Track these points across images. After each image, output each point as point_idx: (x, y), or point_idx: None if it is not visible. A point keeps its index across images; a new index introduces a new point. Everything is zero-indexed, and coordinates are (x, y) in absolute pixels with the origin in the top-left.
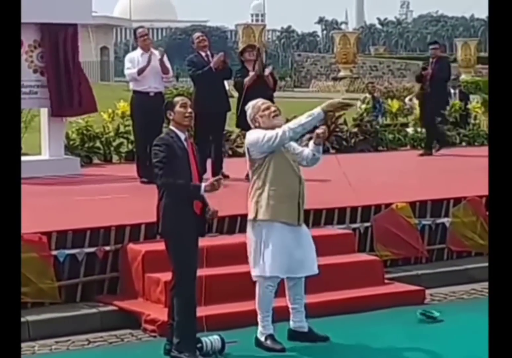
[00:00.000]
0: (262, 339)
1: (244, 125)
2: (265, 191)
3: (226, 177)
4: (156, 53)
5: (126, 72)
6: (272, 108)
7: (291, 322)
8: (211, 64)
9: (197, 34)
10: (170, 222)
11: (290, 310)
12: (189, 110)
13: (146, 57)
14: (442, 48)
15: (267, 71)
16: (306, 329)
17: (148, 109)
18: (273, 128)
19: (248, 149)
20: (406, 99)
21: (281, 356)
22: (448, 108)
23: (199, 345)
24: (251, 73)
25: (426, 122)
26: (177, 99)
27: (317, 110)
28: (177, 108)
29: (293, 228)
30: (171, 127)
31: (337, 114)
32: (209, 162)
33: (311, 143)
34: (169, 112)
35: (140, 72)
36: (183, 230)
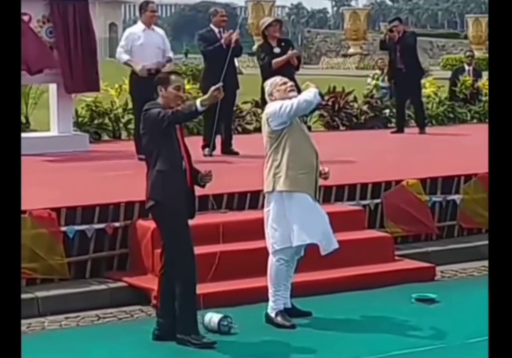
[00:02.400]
0: (273, 315)
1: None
2: (283, 163)
3: (236, 153)
4: (158, 30)
5: (118, 50)
6: (289, 84)
7: None
8: (222, 41)
9: (219, 9)
10: (160, 197)
11: None
12: (181, 94)
13: (148, 34)
14: (404, 25)
15: (294, 53)
16: (289, 305)
17: (147, 86)
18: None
19: (267, 120)
20: (369, 80)
21: (291, 332)
22: (422, 82)
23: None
24: (276, 50)
25: (397, 100)
26: (173, 78)
27: (313, 88)
28: (170, 88)
29: (310, 201)
30: (159, 103)
31: (346, 90)
32: (218, 139)
33: None
34: (160, 87)
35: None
36: (177, 206)
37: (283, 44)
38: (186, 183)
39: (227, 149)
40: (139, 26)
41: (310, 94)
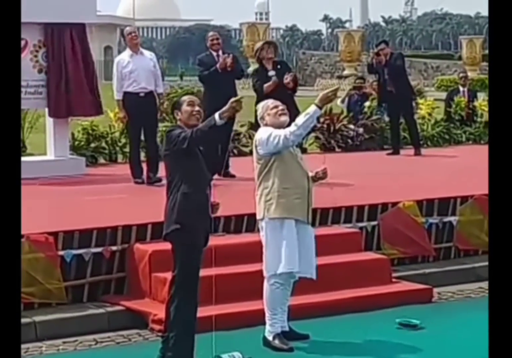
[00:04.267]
0: (270, 338)
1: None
2: (274, 189)
3: (232, 176)
4: (147, 53)
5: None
6: (280, 107)
7: None
8: (217, 65)
9: (211, 33)
10: (186, 220)
11: None
12: (197, 108)
13: (136, 59)
14: (391, 48)
15: (288, 78)
16: (287, 328)
17: (140, 109)
18: (279, 126)
19: (256, 147)
20: (338, 101)
21: (289, 356)
22: (415, 104)
23: None
24: (271, 73)
25: (390, 122)
26: (184, 98)
27: (312, 108)
28: (184, 106)
29: (301, 226)
30: (179, 124)
31: (342, 116)
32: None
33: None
34: (176, 111)
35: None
36: (197, 232)
37: (279, 66)
38: (208, 207)
39: (224, 172)
40: (127, 52)
41: (302, 123)
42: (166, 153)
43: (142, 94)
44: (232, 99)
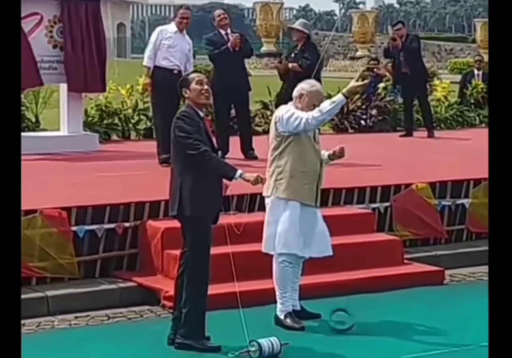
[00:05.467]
0: (282, 317)
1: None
2: (286, 170)
3: (255, 158)
4: (188, 38)
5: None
6: (320, 103)
7: None
8: (228, 44)
9: (218, 11)
10: (194, 204)
11: None
12: (206, 87)
13: (179, 37)
14: (406, 28)
15: (290, 65)
16: (298, 308)
17: (171, 85)
18: (308, 111)
19: (275, 123)
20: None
21: (300, 334)
22: (429, 86)
23: (254, 348)
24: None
25: (404, 104)
26: (192, 75)
27: (339, 96)
28: (193, 85)
29: (309, 209)
30: (188, 103)
31: (356, 97)
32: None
33: (326, 155)
34: (184, 89)
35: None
36: (208, 213)
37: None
38: (219, 187)
39: (247, 153)
40: (172, 26)
41: (326, 110)
42: (175, 142)
43: (175, 72)
44: (258, 174)
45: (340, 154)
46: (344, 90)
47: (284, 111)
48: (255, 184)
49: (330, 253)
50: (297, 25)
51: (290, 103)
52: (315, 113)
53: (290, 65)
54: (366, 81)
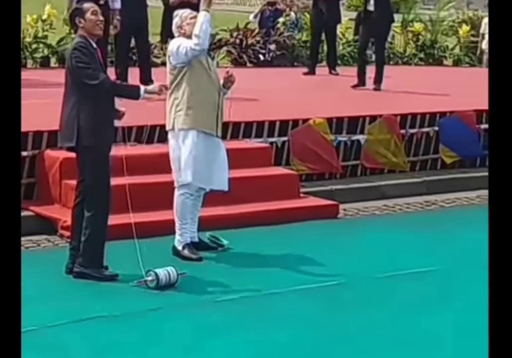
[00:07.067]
0: (180, 248)
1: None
2: (184, 101)
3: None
4: None
5: None
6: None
7: None
8: None
9: None
10: (93, 134)
11: None
12: (101, 18)
13: None
14: None
15: None
16: (196, 239)
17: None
18: None
19: (169, 57)
20: (251, 16)
21: (198, 265)
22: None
23: (151, 277)
24: None
25: (312, 40)
26: (87, 5)
27: (201, 14)
28: (88, 15)
29: (211, 139)
30: (82, 34)
31: (255, 32)
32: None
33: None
34: (78, 18)
35: None
36: (107, 143)
37: None
38: (113, 115)
39: (146, 81)
40: None
41: (198, 31)
42: (71, 69)
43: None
44: (160, 83)
45: (230, 78)
46: (204, 6)
47: (174, 44)
48: (161, 93)
49: (226, 188)
50: None
51: (180, 37)
52: (193, 40)
53: None
54: None
